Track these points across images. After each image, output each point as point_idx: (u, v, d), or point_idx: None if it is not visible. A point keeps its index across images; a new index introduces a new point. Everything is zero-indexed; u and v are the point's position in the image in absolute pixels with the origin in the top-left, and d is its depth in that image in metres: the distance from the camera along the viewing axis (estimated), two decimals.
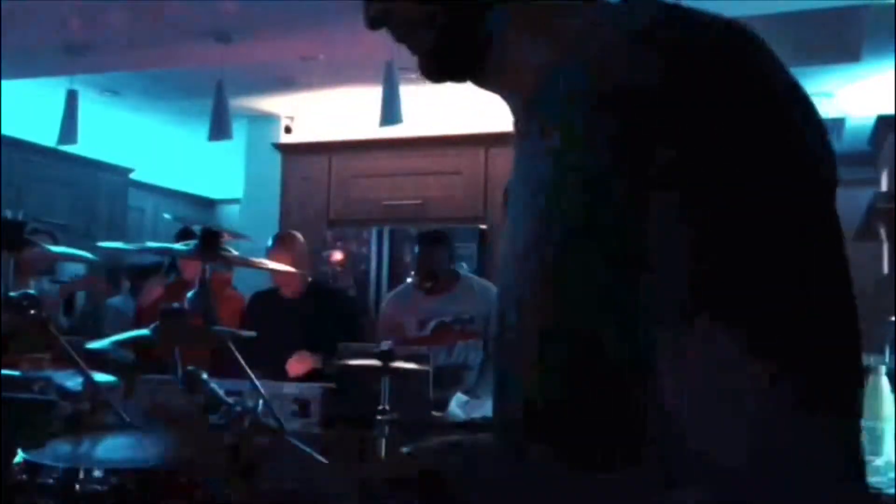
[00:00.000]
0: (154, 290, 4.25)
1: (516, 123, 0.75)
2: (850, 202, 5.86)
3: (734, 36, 0.63)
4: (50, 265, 4.40)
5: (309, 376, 3.37)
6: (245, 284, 5.15)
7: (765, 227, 0.54)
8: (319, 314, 3.60)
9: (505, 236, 0.75)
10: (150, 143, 7.09)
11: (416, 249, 3.78)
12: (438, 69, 0.74)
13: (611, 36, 0.63)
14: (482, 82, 0.76)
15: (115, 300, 5.25)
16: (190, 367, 1.78)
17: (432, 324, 3.64)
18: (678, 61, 0.58)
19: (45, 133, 5.62)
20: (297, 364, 3.43)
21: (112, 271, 5.15)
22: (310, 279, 3.82)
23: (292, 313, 3.65)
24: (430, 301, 3.66)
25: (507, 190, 0.81)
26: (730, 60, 0.60)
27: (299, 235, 3.91)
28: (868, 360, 2.26)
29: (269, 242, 3.85)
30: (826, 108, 5.06)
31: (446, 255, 3.66)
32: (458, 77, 0.75)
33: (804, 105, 0.60)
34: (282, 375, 3.37)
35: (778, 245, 0.54)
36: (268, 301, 3.82)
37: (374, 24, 0.74)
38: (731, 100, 0.57)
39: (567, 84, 0.66)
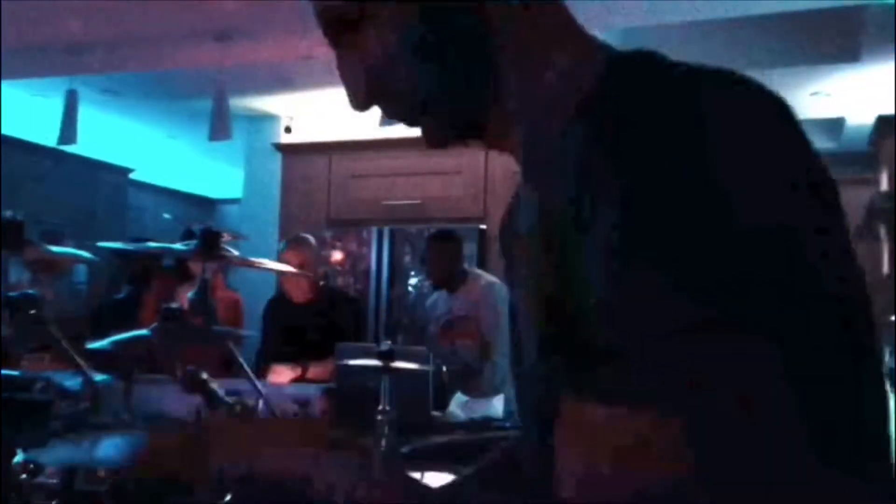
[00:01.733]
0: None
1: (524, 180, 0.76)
2: (850, 202, 5.86)
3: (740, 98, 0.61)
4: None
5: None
6: (245, 284, 5.15)
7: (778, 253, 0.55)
8: (332, 321, 3.59)
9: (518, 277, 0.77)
10: (149, 143, 7.10)
11: (426, 249, 3.86)
12: (439, 141, 0.74)
13: (609, 105, 0.63)
14: (490, 147, 0.77)
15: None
16: (189, 367, 1.78)
17: (441, 321, 3.68)
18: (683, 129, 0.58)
19: (45, 133, 5.63)
20: (275, 378, 3.43)
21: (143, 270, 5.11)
22: (321, 283, 3.82)
23: (303, 320, 3.65)
24: (439, 299, 3.74)
25: (506, 226, 0.82)
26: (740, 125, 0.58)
27: (311, 238, 3.90)
28: None
29: (281, 245, 3.85)
30: (826, 108, 5.06)
31: (453, 254, 3.70)
32: (463, 143, 0.75)
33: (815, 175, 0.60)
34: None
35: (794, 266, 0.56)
36: (278, 308, 3.82)
37: (363, 106, 0.72)
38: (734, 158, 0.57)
39: (551, 154, 0.67)
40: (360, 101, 0.72)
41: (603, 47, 0.70)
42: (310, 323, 3.62)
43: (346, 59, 0.72)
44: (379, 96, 0.71)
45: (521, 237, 0.76)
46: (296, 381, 3.40)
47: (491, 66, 0.69)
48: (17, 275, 4.59)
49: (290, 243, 3.84)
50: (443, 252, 3.71)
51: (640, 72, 0.64)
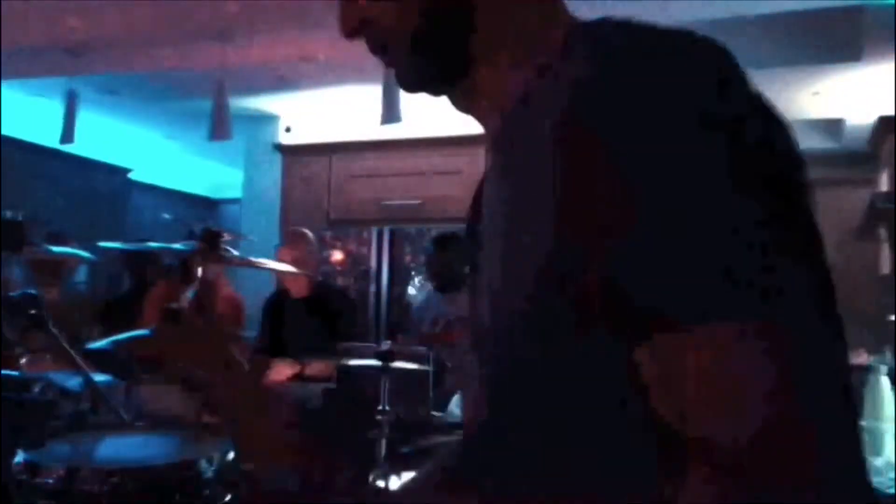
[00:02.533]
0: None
1: (486, 147, 0.76)
2: (850, 202, 5.89)
3: (699, 57, 0.60)
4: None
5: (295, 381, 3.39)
6: (245, 284, 5.15)
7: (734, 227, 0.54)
8: (326, 317, 3.63)
9: (481, 256, 0.77)
10: (149, 143, 7.10)
11: (429, 251, 3.94)
12: (415, 83, 0.75)
13: (575, 70, 0.63)
14: (455, 103, 0.78)
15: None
16: (189, 367, 1.78)
17: (441, 323, 3.70)
18: (642, 94, 0.57)
19: (45, 133, 5.63)
20: (275, 374, 3.45)
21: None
22: (319, 279, 3.85)
23: (299, 315, 3.69)
24: (441, 300, 3.78)
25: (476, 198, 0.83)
26: (693, 81, 0.57)
27: (309, 233, 3.93)
28: (868, 360, 2.26)
29: (279, 240, 3.89)
30: (826, 108, 5.06)
31: (455, 256, 3.73)
32: (432, 92, 0.76)
33: (765, 118, 0.59)
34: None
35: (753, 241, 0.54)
36: (276, 303, 3.87)
37: (351, 33, 0.75)
38: (691, 119, 0.55)
39: (526, 126, 0.66)
40: (348, 27, 0.74)
41: (572, 17, 0.73)
42: (305, 318, 3.66)
43: None
44: (368, 24, 0.73)
45: (481, 216, 0.77)
46: (295, 377, 3.40)
47: (470, 25, 0.71)
48: (20, 275, 4.59)
49: (288, 237, 3.87)
50: (440, 255, 3.79)
51: (591, 36, 0.65)
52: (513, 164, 0.68)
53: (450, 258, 3.75)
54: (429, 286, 4.22)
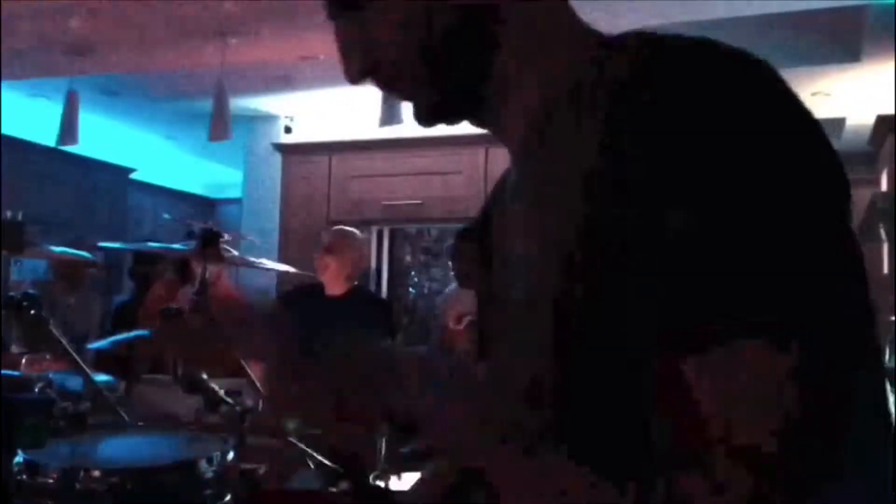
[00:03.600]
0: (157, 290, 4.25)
1: (511, 161, 0.76)
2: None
3: (731, 66, 0.60)
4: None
5: None
6: (245, 284, 5.15)
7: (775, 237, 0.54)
8: (362, 318, 3.53)
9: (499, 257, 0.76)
10: (149, 144, 7.10)
11: (454, 246, 3.80)
12: (434, 120, 0.74)
13: (601, 83, 0.63)
14: (478, 125, 0.77)
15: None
16: (189, 367, 1.78)
17: (466, 320, 3.62)
18: (673, 111, 0.57)
19: (45, 133, 5.63)
20: None
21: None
22: (356, 282, 3.78)
23: (333, 312, 3.57)
24: (467, 296, 3.69)
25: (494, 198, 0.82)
26: (734, 95, 0.57)
27: (357, 233, 3.88)
28: None
29: (323, 237, 3.81)
30: (826, 108, 5.06)
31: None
32: (451, 122, 0.75)
33: (814, 132, 0.59)
34: None
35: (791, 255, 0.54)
36: (311, 295, 3.74)
37: (357, 79, 0.73)
38: (730, 129, 0.56)
39: (563, 142, 0.66)
40: (355, 74, 0.73)
41: (596, 34, 0.72)
42: (341, 318, 3.55)
43: (344, 32, 0.74)
44: (376, 70, 0.72)
45: (504, 225, 0.76)
46: None
47: (490, 51, 0.70)
48: (39, 276, 4.62)
49: (330, 234, 3.81)
50: (463, 248, 3.66)
51: (628, 53, 0.64)
52: (548, 178, 0.67)
53: (469, 250, 3.63)
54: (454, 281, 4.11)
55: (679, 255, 0.55)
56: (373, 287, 5.43)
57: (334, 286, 3.67)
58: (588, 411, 0.62)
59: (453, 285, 3.80)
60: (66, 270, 4.30)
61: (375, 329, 3.44)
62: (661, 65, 0.59)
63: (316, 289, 3.75)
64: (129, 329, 3.14)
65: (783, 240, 0.54)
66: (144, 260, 4.74)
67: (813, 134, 0.58)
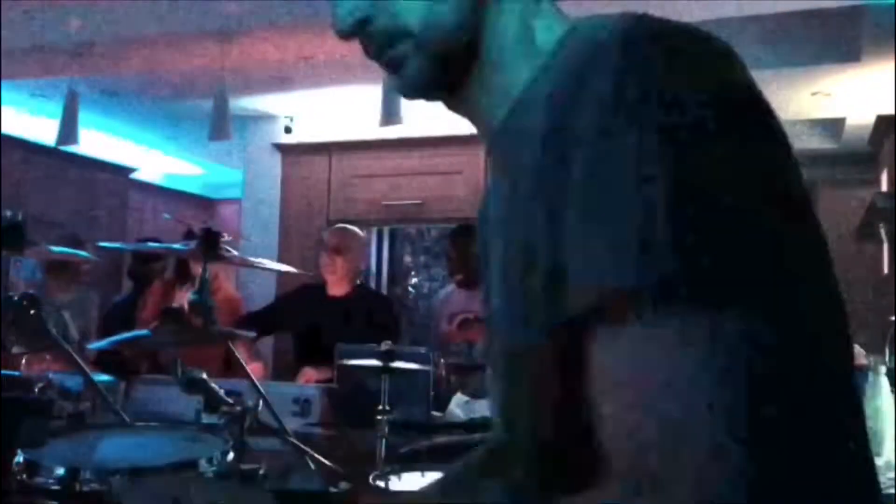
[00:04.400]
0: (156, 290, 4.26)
1: (486, 148, 0.76)
2: (850, 202, 5.88)
3: (701, 45, 0.60)
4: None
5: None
6: (245, 284, 5.16)
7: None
8: (366, 317, 3.50)
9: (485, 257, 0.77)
10: (149, 143, 7.10)
11: (449, 244, 3.76)
12: (416, 87, 0.73)
13: (571, 66, 0.62)
14: (451, 105, 0.76)
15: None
16: (189, 368, 1.78)
17: (458, 319, 3.60)
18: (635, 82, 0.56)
19: (45, 133, 5.63)
20: (303, 380, 3.39)
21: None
22: (359, 281, 3.75)
23: (337, 311, 3.56)
24: (461, 295, 3.65)
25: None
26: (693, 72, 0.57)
27: (359, 231, 3.86)
28: (868, 359, 2.26)
29: (325, 236, 3.79)
30: (826, 108, 5.06)
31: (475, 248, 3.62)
32: (430, 98, 0.75)
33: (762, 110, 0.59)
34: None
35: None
36: (314, 295, 3.72)
37: (346, 34, 0.71)
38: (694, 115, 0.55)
39: (521, 124, 0.66)
40: (346, 25, 0.71)
41: (569, 19, 0.72)
42: (348, 320, 3.51)
43: None
44: (367, 23, 0.71)
45: (488, 219, 0.76)
46: (325, 381, 3.37)
47: (475, 30, 0.70)
48: (29, 276, 4.61)
49: (334, 233, 3.80)
50: (466, 247, 3.60)
51: (584, 34, 0.64)
52: (508, 164, 0.68)
53: (470, 251, 3.51)
54: (451, 281, 4.04)
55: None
56: (373, 287, 5.43)
57: (338, 286, 3.65)
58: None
59: (449, 287, 3.78)
60: (60, 269, 4.29)
61: (379, 328, 3.42)
62: (606, 51, 0.58)
63: (317, 289, 3.74)
64: (124, 328, 3.15)
65: (722, 220, 0.52)
66: (142, 259, 4.74)
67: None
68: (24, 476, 1.24)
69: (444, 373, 3.12)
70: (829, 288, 0.58)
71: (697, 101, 0.55)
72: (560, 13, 0.73)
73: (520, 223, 0.62)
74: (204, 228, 2.06)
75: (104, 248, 3.12)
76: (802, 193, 0.58)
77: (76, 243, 3.82)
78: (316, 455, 1.71)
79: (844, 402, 0.57)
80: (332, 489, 1.62)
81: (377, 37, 0.71)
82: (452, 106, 0.76)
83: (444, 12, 0.69)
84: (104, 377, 2.21)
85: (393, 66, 0.72)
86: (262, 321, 3.62)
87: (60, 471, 1.24)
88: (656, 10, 0.62)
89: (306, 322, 3.63)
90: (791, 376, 0.52)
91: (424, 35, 0.69)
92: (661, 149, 0.53)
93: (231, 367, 2.37)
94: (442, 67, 0.71)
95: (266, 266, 2.62)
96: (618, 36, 0.58)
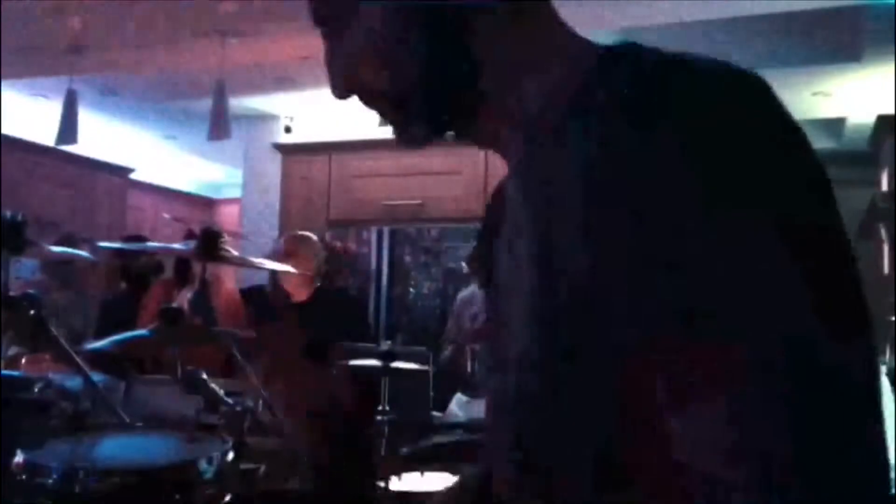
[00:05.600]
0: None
1: (509, 172, 0.75)
2: (850, 202, 5.87)
3: (731, 87, 0.60)
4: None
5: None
6: (245, 284, 5.14)
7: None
8: (328, 320, 3.53)
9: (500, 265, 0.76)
10: (149, 143, 7.10)
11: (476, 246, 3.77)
12: (416, 141, 0.73)
13: (603, 99, 0.62)
14: (470, 142, 0.76)
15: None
16: (189, 368, 1.78)
17: (481, 319, 3.60)
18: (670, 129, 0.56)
19: (45, 133, 5.63)
20: None
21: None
22: (318, 284, 3.77)
23: (299, 319, 3.59)
24: (476, 296, 3.66)
25: (495, 195, 0.82)
26: (729, 117, 0.58)
27: (312, 236, 3.87)
28: None
29: (280, 244, 3.79)
30: (827, 108, 5.06)
31: None
32: (437, 139, 0.74)
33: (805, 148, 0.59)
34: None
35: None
36: (275, 303, 3.76)
37: (342, 96, 0.73)
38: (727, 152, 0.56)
39: (559, 155, 0.65)
40: (339, 91, 0.73)
41: (591, 45, 0.70)
42: (307, 325, 3.55)
43: (331, 50, 0.74)
44: (357, 87, 0.72)
45: (503, 236, 0.76)
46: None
47: (473, 67, 0.69)
48: (30, 275, 4.61)
49: (288, 239, 3.81)
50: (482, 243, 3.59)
51: (627, 65, 0.63)
52: (543, 191, 0.67)
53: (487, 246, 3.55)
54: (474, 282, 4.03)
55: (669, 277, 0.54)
56: (373, 287, 5.43)
57: (298, 292, 3.67)
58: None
59: (471, 287, 3.77)
60: (57, 269, 4.29)
61: (344, 330, 3.42)
62: (667, 85, 0.58)
63: (278, 294, 3.74)
64: (117, 327, 3.14)
65: (773, 257, 0.54)
66: (133, 258, 4.72)
67: (801, 149, 0.59)
68: (24, 476, 1.24)
69: (470, 363, 3.14)
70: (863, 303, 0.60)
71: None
72: (570, 37, 0.72)
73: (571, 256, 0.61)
74: (204, 228, 2.06)
75: (104, 248, 3.12)
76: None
77: (73, 243, 3.82)
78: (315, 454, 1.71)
79: (867, 408, 0.58)
80: (332, 488, 1.62)
81: (371, 98, 0.73)
82: (468, 137, 0.76)
83: (407, 69, 0.69)
84: (104, 377, 2.21)
85: (390, 122, 0.73)
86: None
87: (60, 471, 1.23)
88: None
89: (269, 330, 3.67)
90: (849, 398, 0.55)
91: (397, 96, 0.70)
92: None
93: (231, 367, 2.37)
94: (431, 119, 0.72)
95: (266, 266, 2.62)
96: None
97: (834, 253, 0.57)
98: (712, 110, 0.57)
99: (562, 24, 0.72)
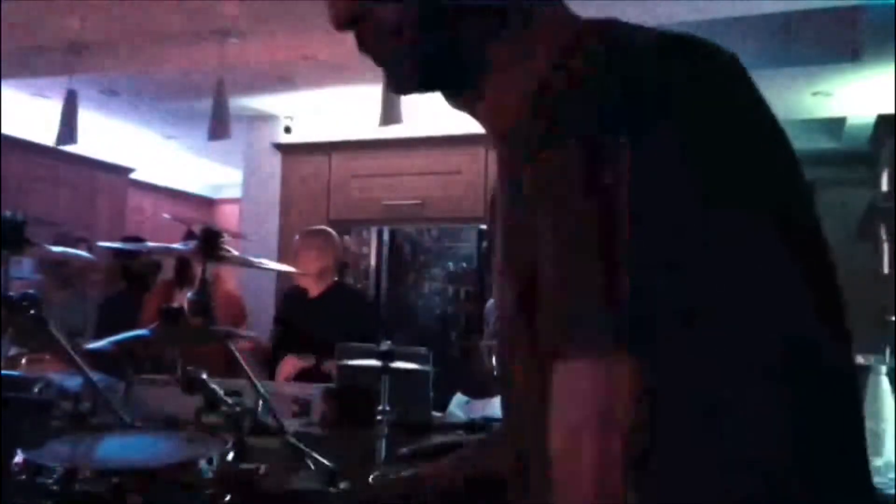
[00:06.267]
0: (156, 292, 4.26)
1: (495, 148, 0.75)
2: (850, 202, 5.89)
3: (712, 61, 0.59)
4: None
5: (307, 377, 3.36)
6: (245, 284, 5.15)
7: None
8: (339, 313, 3.58)
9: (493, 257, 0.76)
10: (149, 143, 7.10)
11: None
12: (412, 83, 0.72)
13: (578, 73, 0.59)
14: (452, 103, 0.75)
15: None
16: (189, 367, 1.78)
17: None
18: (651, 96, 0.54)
19: (45, 133, 5.63)
20: (285, 367, 3.43)
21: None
22: (335, 279, 3.80)
23: (315, 314, 3.65)
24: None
25: (493, 198, 0.82)
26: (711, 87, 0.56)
27: (332, 231, 3.90)
28: (868, 360, 2.26)
29: (298, 239, 3.83)
30: (826, 108, 5.06)
31: None
32: (425, 91, 0.73)
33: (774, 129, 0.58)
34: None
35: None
36: (291, 300, 3.83)
37: (344, 25, 0.70)
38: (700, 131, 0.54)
39: (529, 131, 0.62)
40: (339, 18, 0.70)
41: (578, 18, 0.70)
42: (321, 318, 3.60)
43: None
44: (360, 17, 0.69)
45: (496, 220, 0.76)
46: (307, 371, 3.39)
47: (485, 34, 0.69)
48: (28, 275, 4.61)
49: (306, 235, 3.83)
50: None
51: (603, 40, 0.61)
52: (514, 170, 0.66)
53: None
54: None
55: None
56: (373, 287, 5.43)
57: (311, 287, 3.72)
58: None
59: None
60: (54, 269, 4.30)
61: (349, 323, 3.45)
62: (618, 65, 0.56)
63: (302, 290, 3.80)
64: (117, 327, 3.14)
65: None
66: (132, 257, 4.73)
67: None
68: (24, 476, 1.24)
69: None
70: (826, 285, 0.57)
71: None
72: (562, 6, 0.72)
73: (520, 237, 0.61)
74: (204, 228, 2.06)
75: (104, 247, 3.12)
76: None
77: (69, 242, 3.83)
78: (315, 455, 1.71)
79: (844, 402, 0.57)
80: (332, 489, 1.62)
81: (370, 33, 0.70)
82: (452, 101, 0.75)
83: (434, 21, 0.68)
84: (104, 377, 2.21)
85: (384, 60, 0.71)
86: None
87: (60, 471, 1.23)
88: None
89: (286, 321, 3.76)
90: (790, 375, 0.52)
91: (411, 33, 0.68)
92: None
93: (231, 367, 2.37)
94: (433, 66, 0.70)
95: (266, 266, 2.62)
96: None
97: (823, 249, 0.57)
98: (688, 106, 0.55)
99: (566, 8, 0.72)
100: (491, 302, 3.83)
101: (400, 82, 0.72)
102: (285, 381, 3.38)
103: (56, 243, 2.75)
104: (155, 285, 4.33)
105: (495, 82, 0.70)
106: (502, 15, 0.69)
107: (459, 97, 0.74)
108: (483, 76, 0.70)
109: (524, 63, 0.68)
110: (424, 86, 0.72)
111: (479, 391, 3.53)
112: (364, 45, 0.71)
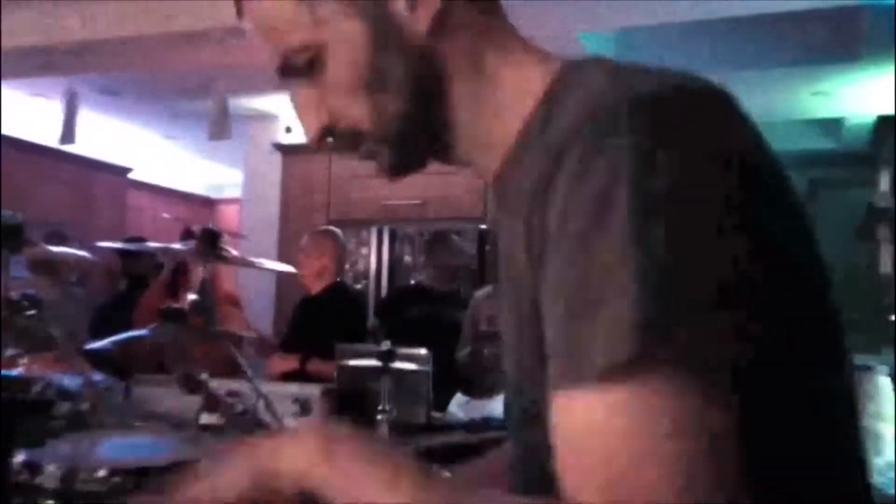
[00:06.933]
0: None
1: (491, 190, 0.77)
2: (850, 202, 5.89)
3: (700, 103, 0.59)
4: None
5: (295, 377, 3.36)
6: (245, 284, 5.15)
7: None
8: (333, 316, 3.60)
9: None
10: (149, 143, 7.10)
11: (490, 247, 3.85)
12: (399, 171, 0.75)
13: (567, 118, 0.61)
14: (451, 163, 0.77)
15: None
16: (189, 368, 1.78)
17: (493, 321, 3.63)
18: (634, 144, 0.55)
19: (45, 133, 5.63)
20: (276, 364, 3.45)
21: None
22: (338, 279, 3.82)
23: (308, 313, 3.70)
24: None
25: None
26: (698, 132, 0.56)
27: (332, 231, 3.92)
28: (868, 360, 2.27)
29: (305, 239, 3.86)
30: (826, 108, 5.07)
31: None
32: (420, 169, 0.76)
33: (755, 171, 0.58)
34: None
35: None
36: (300, 300, 3.89)
37: (320, 140, 0.73)
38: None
39: (520, 173, 0.66)
40: (315, 136, 0.73)
41: (554, 61, 0.71)
42: (313, 316, 3.64)
43: (300, 96, 0.74)
44: (333, 132, 0.73)
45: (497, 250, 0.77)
46: (294, 372, 3.39)
47: (444, 95, 0.71)
48: (19, 275, 4.60)
49: (312, 235, 3.85)
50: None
51: (581, 83, 0.64)
52: (510, 210, 0.68)
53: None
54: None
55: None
56: (373, 287, 5.43)
57: (311, 286, 3.75)
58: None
59: (487, 288, 3.78)
60: (43, 267, 4.28)
61: (341, 323, 3.47)
62: (622, 112, 0.56)
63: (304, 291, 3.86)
64: (116, 327, 3.14)
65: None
66: (132, 257, 4.73)
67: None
68: (24, 476, 1.24)
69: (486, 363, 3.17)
70: (821, 295, 0.59)
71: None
72: (516, 40, 0.73)
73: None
74: (204, 228, 2.06)
75: (103, 248, 3.13)
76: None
77: (63, 241, 3.82)
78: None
79: (840, 403, 0.58)
80: None
81: (343, 141, 0.73)
82: (449, 162, 0.77)
83: (387, 103, 0.70)
84: (104, 377, 2.21)
85: (370, 157, 0.74)
86: None
87: (60, 471, 1.23)
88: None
89: (289, 320, 3.84)
90: (786, 377, 0.53)
91: (379, 131, 0.71)
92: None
93: (231, 367, 2.37)
94: (413, 149, 0.73)
95: (266, 266, 2.62)
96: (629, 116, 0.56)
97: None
98: (668, 132, 0.55)
99: (524, 42, 0.73)
100: (477, 298, 3.81)
101: (387, 172, 0.75)
102: (278, 375, 3.39)
103: (48, 242, 2.75)
104: (151, 285, 4.32)
105: (477, 136, 0.72)
106: (464, 79, 0.70)
107: (447, 159, 0.76)
108: (461, 137, 0.73)
109: (503, 114, 0.70)
110: (410, 169, 0.75)
111: (479, 391, 3.54)
112: (343, 150, 0.75)
